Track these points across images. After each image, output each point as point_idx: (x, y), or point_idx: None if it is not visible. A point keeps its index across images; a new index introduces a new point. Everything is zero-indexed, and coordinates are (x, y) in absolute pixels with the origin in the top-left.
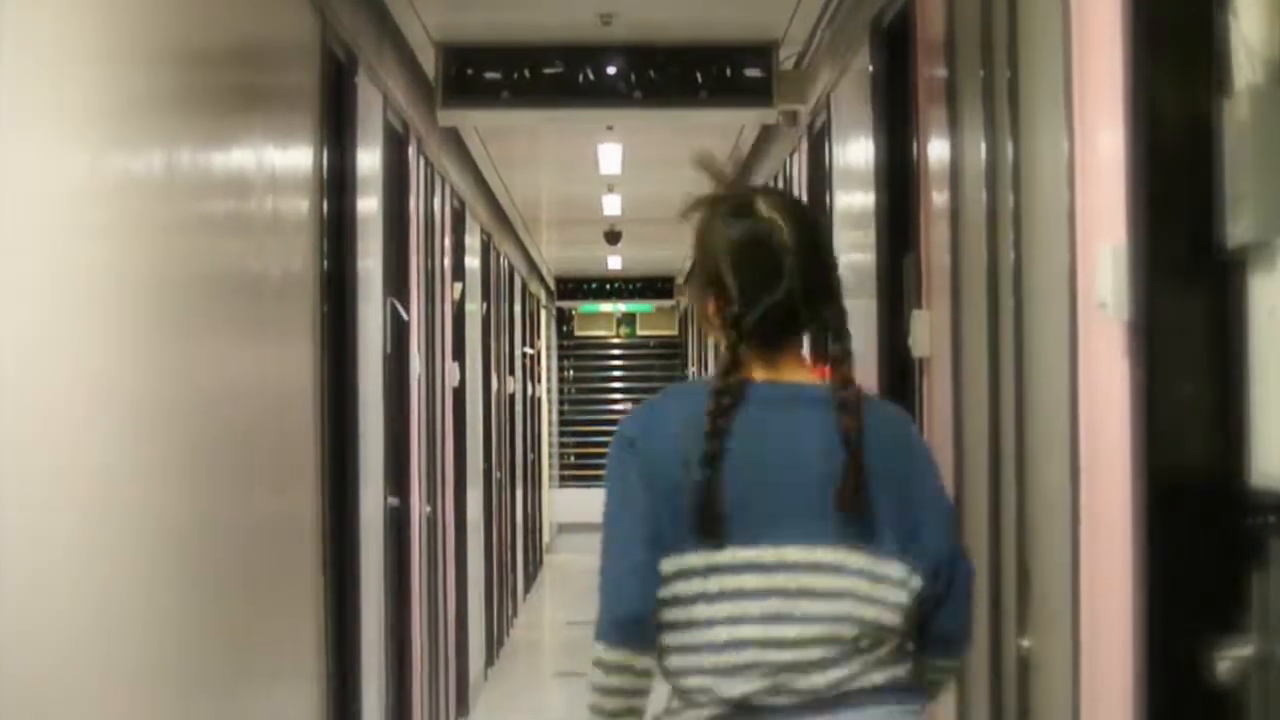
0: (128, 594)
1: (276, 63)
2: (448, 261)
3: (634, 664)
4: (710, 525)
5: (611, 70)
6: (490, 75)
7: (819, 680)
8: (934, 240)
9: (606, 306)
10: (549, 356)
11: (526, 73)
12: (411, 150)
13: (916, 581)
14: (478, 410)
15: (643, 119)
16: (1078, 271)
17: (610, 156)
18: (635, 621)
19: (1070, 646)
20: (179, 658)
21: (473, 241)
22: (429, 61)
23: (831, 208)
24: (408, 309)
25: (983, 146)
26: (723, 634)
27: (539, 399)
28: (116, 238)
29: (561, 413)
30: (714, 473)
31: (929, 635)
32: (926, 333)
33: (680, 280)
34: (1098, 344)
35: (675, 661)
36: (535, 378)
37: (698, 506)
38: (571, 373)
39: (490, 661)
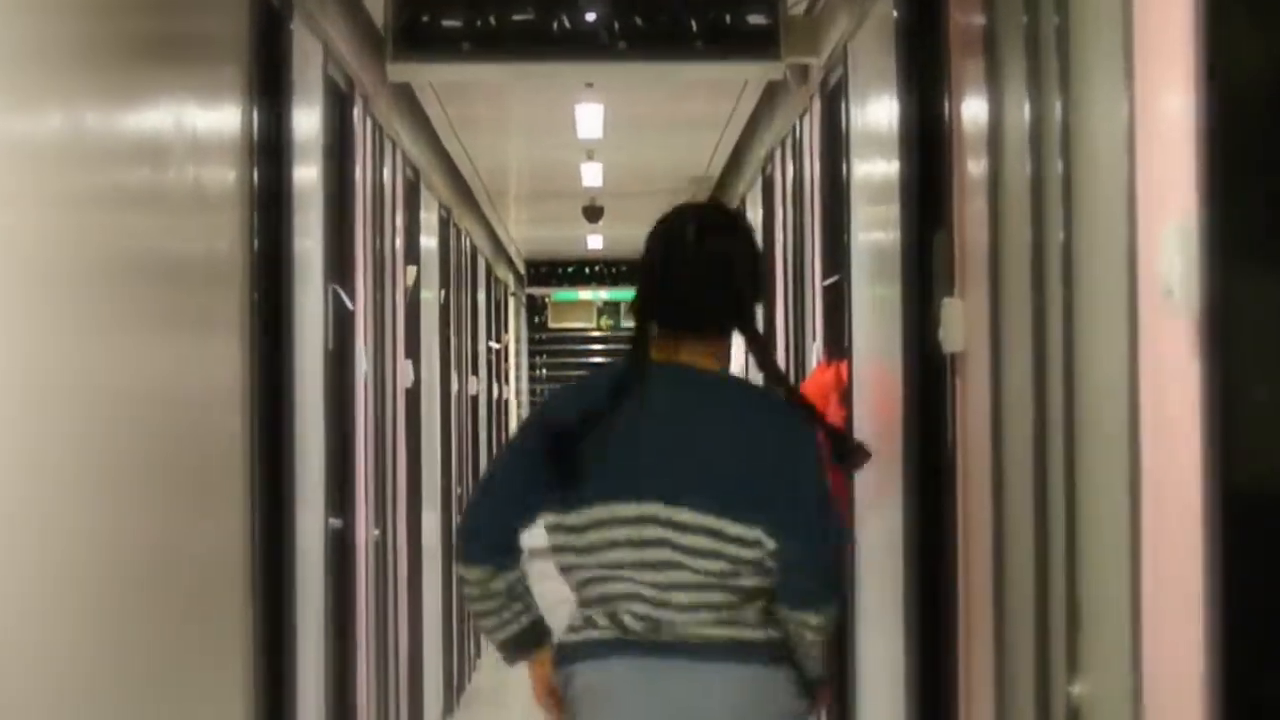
0: (13, 636)
1: (197, 7)
2: (400, 242)
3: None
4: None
5: (591, 17)
6: (449, 23)
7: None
8: (969, 216)
9: (586, 294)
10: (519, 352)
11: (492, 20)
12: (357, 111)
13: (770, 544)
14: (435, 416)
15: (627, 74)
16: (1138, 253)
17: (590, 118)
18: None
19: (1130, 693)
20: (78, 709)
21: (429, 218)
22: (377, 7)
23: (848, 178)
24: (353, 297)
25: (1026, 106)
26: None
27: (507, 402)
28: (2, 212)
29: None
30: (596, 430)
31: (788, 589)
32: (960, 324)
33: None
34: (1162, 338)
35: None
36: (503, 377)
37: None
38: (545, 371)
39: (449, 709)
